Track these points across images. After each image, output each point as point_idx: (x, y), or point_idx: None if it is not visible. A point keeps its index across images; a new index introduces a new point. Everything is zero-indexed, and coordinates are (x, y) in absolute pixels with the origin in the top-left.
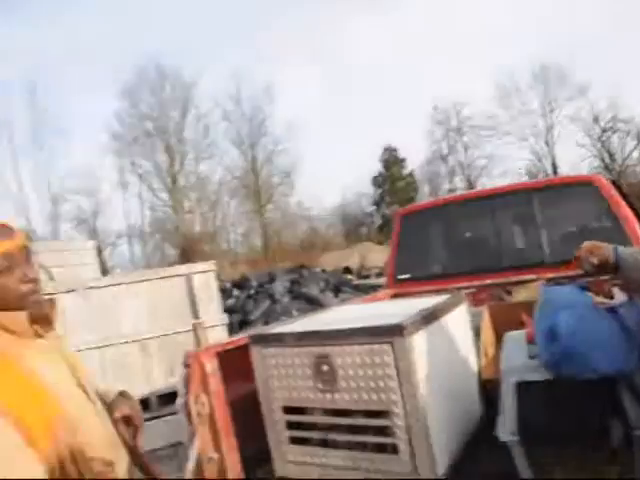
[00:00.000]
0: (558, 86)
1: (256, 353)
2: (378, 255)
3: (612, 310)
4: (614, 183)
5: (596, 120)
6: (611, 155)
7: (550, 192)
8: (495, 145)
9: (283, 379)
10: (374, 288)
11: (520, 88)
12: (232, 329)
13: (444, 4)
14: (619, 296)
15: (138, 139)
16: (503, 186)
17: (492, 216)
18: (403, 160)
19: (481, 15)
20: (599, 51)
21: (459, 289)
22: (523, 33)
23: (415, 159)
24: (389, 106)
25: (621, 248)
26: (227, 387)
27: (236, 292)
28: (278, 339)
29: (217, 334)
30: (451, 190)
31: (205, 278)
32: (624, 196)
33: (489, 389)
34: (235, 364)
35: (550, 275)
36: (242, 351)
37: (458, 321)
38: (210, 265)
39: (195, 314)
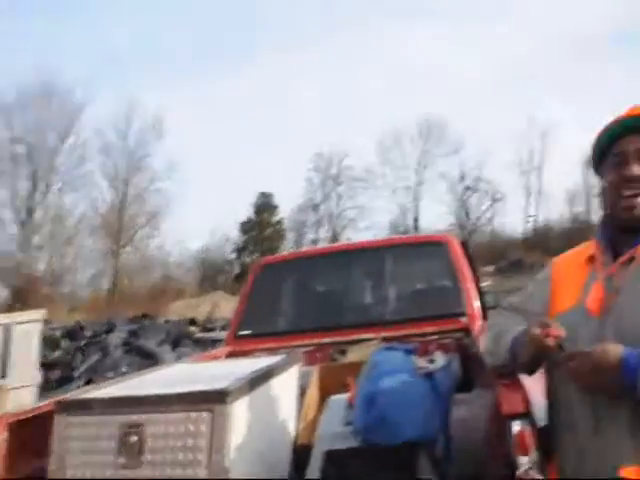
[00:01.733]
0: (435, 144)
1: (59, 423)
2: (230, 306)
3: (430, 375)
4: (464, 244)
5: (462, 178)
6: (467, 213)
7: (402, 250)
8: (367, 197)
9: (81, 454)
10: (215, 342)
11: (400, 143)
12: (51, 388)
13: (334, 56)
14: (439, 360)
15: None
16: (358, 242)
17: (344, 272)
18: (276, 207)
19: (367, 69)
20: (473, 113)
21: (297, 347)
22: (407, 90)
23: (288, 207)
24: (271, 151)
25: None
26: (19, 467)
27: (65, 343)
28: (85, 406)
29: (24, 396)
30: (314, 241)
31: (27, 329)
32: (469, 257)
33: (302, 456)
34: (34, 437)
35: (389, 334)
36: (45, 420)
37: (287, 384)
38: (38, 314)
39: (3, 372)
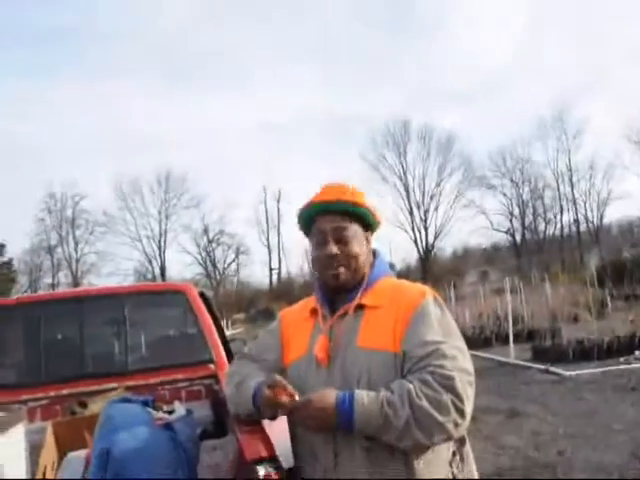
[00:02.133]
0: (177, 195)
1: None
2: None
3: (169, 426)
4: (202, 294)
5: (206, 231)
6: (214, 265)
7: (143, 297)
8: (108, 243)
9: None
10: None
11: (141, 191)
12: None
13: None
14: (179, 410)
15: None
16: (95, 288)
17: (81, 319)
18: (2, 246)
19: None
20: (215, 167)
21: (27, 402)
22: (143, 138)
23: (17, 247)
24: None
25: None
26: None
27: None
28: None
29: None
30: (53, 285)
31: None
32: (209, 307)
33: None
34: None
35: (134, 383)
36: None
37: (10, 443)
38: None
39: None
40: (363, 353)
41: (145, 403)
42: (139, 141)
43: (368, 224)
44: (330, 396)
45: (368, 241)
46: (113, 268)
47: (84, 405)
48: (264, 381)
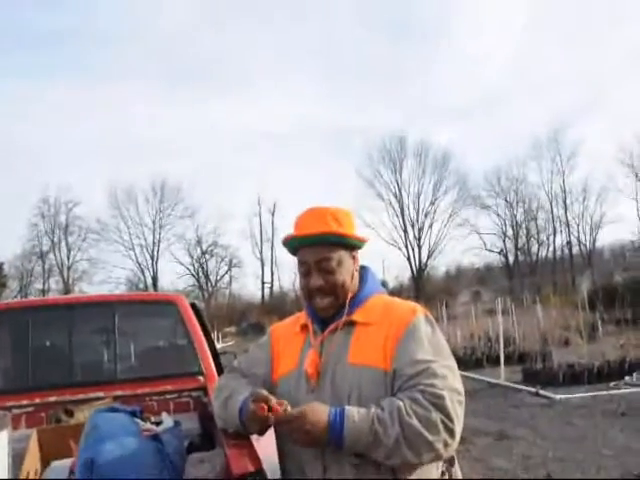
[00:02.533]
0: (172, 205)
1: None
2: None
3: (156, 437)
4: (193, 306)
5: (199, 242)
6: (207, 276)
7: (133, 307)
8: (101, 250)
9: None
10: None
11: (136, 199)
12: None
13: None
14: (167, 422)
15: None
16: (86, 295)
17: (70, 327)
18: None
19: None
20: (211, 177)
21: (12, 408)
22: (141, 147)
23: (9, 252)
24: None
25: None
26: None
27: None
28: None
29: None
30: (43, 291)
31: None
32: (200, 318)
33: None
34: None
35: (122, 392)
36: None
37: None
38: None
39: None
40: (353, 369)
41: (133, 413)
42: (137, 147)
43: (353, 247)
44: (322, 411)
45: (355, 259)
46: (105, 276)
47: (70, 413)
48: (250, 396)
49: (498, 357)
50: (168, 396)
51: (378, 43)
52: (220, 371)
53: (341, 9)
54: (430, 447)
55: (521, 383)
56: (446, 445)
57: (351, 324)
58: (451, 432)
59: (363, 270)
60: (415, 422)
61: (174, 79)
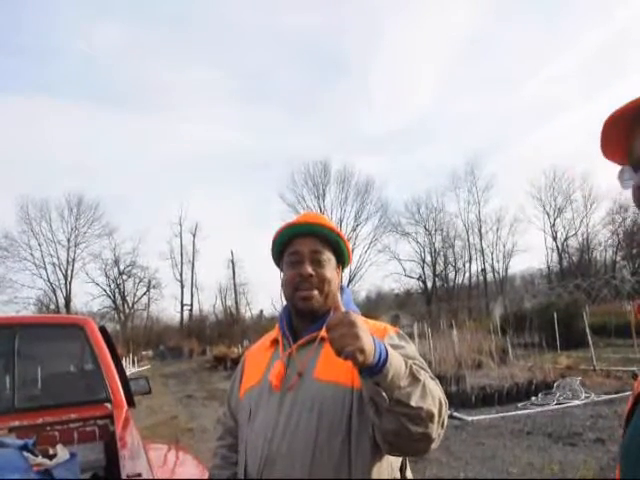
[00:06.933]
0: (88, 222)
1: None
2: None
3: (47, 472)
4: (102, 329)
5: (116, 262)
6: (124, 297)
7: (36, 330)
8: (8, 268)
9: None
10: None
11: (49, 215)
12: None
13: None
14: (61, 454)
15: None
16: None
17: None
18: None
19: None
20: (131, 197)
21: None
22: (67, 164)
23: None
24: None
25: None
26: None
27: None
28: None
29: None
30: None
31: None
32: (110, 343)
33: None
34: None
35: (21, 423)
36: None
37: None
38: None
39: None
40: (318, 385)
41: (24, 447)
42: (52, 164)
43: (341, 256)
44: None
45: (338, 274)
46: (11, 296)
47: None
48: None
49: None
50: (72, 425)
51: (303, 71)
52: (130, 398)
53: (268, 39)
54: (432, 418)
55: None
56: (439, 427)
57: (322, 340)
58: (443, 421)
59: (341, 290)
60: (431, 382)
61: (97, 98)
